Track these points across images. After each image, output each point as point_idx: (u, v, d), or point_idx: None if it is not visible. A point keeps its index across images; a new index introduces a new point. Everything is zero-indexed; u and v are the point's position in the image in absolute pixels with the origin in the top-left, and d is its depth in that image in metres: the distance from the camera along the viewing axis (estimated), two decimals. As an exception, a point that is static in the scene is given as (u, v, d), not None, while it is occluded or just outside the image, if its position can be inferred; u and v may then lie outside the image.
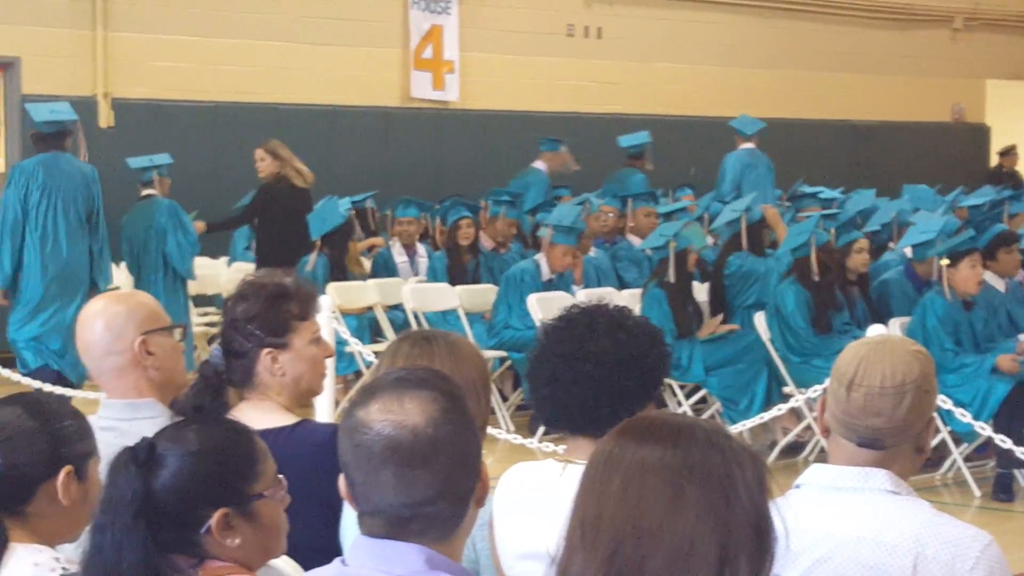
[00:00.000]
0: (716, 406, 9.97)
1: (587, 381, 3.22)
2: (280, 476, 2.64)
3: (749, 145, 14.51)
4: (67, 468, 2.84)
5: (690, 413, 10.03)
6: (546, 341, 3.33)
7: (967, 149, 19.92)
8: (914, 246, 9.66)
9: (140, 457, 2.48)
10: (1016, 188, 15.87)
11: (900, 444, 3.01)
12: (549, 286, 10.60)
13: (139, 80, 14.19)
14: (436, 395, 2.36)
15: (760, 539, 2.09)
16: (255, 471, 2.58)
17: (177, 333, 3.63)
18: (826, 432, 3.06)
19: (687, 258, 9.87)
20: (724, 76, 18.10)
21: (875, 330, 6.89)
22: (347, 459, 2.35)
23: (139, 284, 10.79)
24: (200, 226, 11.54)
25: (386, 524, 2.34)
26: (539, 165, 14.52)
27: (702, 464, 2.07)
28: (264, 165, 11.83)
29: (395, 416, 2.32)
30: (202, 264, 12.15)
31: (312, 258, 11.17)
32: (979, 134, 20.46)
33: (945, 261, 8.89)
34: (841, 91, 19.07)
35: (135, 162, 11.39)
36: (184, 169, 14.28)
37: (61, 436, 2.85)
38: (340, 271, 11.28)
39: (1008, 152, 19.22)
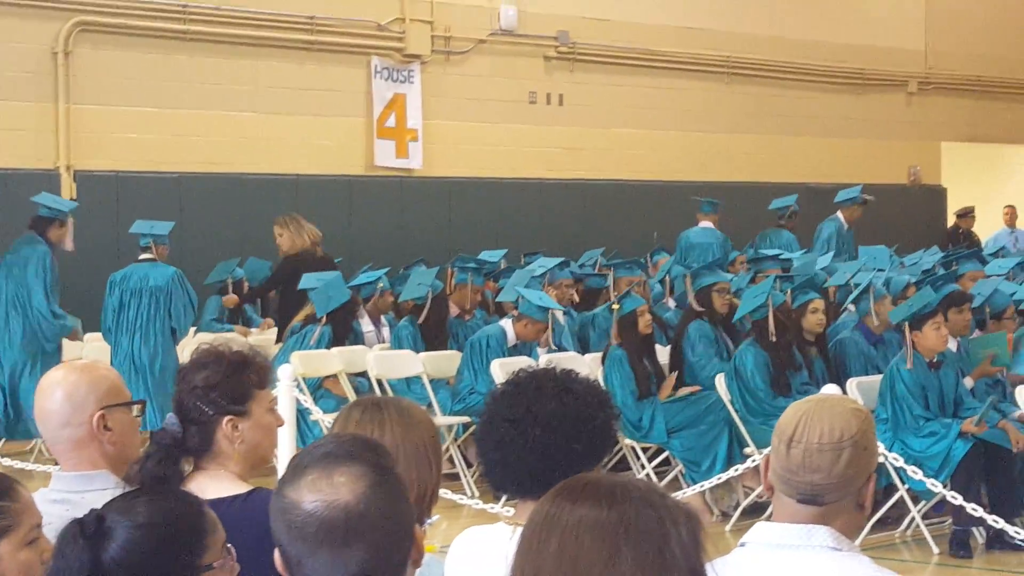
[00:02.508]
0: (679, 468, 10.02)
1: (535, 445, 3.25)
2: (229, 546, 2.63)
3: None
4: None
5: (652, 476, 10.09)
6: (495, 405, 3.37)
7: (924, 211, 20.17)
8: (855, 302, 9.83)
9: (88, 530, 2.47)
10: (971, 248, 16.07)
11: (840, 500, 3.07)
12: (514, 351, 10.67)
13: (102, 152, 14.26)
14: (365, 469, 2.35)
15: (696, 596, 2.14)
16: (203, 543, 2.57)
17: (136, 409, 3.65)
18: (770, 490, 3.13)
19: (636, 320, 9.97)
20: (685, 141, 18.30)
21: (828, 389, 6.97)
22: (281, 537, 2.35)
23: (143, 344, 11.10)
24: (233, 299, 11.90)
25: None
26: (706, 224, 15.45)
27: (637, 523, 2.11)
28: (283, 240, 12.48)
29: (325, 496, 2.32)
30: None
31: (316, 331, 11.19)
32: (935, 196, 20.72)
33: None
34: (800, 154, 19.30)
35: (136, 227, 11.97)
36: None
37: None
38: (341, 345, 11.34)
39: (965, 213, 19.45)
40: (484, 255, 13.83)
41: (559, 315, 11.63)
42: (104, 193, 14.29)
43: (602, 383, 10.14)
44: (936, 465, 8.61)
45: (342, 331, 11.33)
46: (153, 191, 14.54)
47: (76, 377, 3.63)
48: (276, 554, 2.38)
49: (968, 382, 8.99)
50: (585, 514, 2.12)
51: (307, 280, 11.56)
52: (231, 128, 15.08)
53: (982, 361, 9.11)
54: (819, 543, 3.02)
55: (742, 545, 3.11)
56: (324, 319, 11.21)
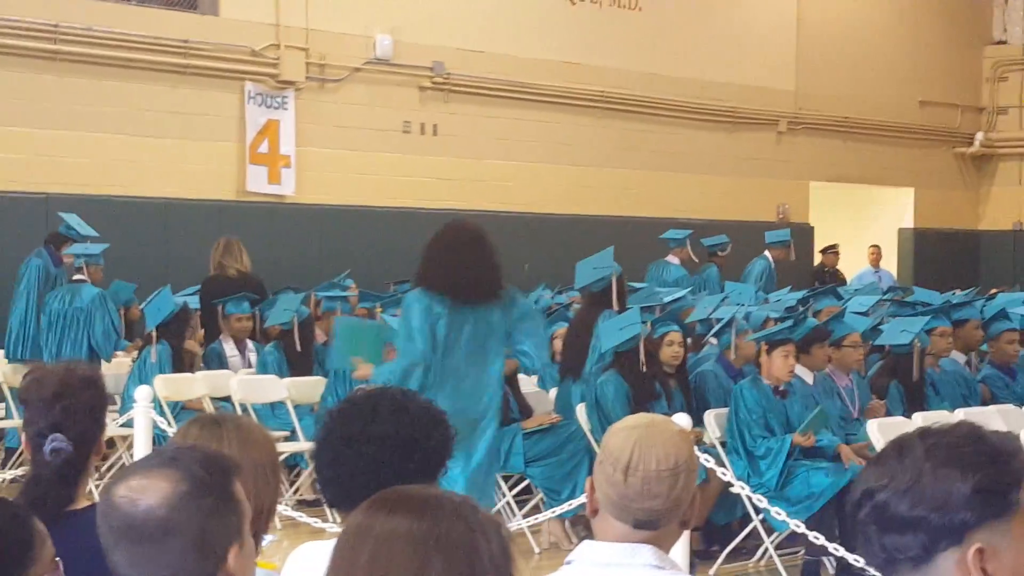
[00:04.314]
0: (539, 496, 10.10)
1: (369, 463, 3.32)
2: (57, 560, 2.64)
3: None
4: None
5: (512, 503, 10.16)
6: (331, 424, 3.44)
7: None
8: (717, 335, 10.01)
9: None
10: (835, 284, 16.41)
11: (671, 522, 3.17)
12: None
13: (-31, 170, 14.08)
14: (181, 475, 2.38)
15: (505, 606, 2.21)
16: (30, 556, 2.57)
17: None
18: (595, 512, 3.21)
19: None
20: (556, 173, 18.47)
21: (680, 420, 7.09)
22: (99, 529, 2.41)
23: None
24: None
25: None
26: (672, 259, 16.05)
27: (448, 534, 2.18)
28: (216, 258, 12.88)
29: (133, 493, 2.37)
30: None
31: (153, 349, 11.14)
32: (803, 233, 21.10)
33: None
34: (671, 190, 19.56)
35: (72, 249, 12.16)
36: (12, 262, 14.18)
37: None
38: (179, 360, 11.31)
39: (829, 250, 19.83)
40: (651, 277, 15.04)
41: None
42: (-31, 212, 14.08)
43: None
44: (774, 486, 8.80)
45: (178, 344, 11.35)
46: (22, 211, 14.37)
47: None
48: None
49: (797, 438, 9.09)
50: (397, 524, 2.18)
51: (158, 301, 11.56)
52: (101, 149, 14.96)
53: (805, 431, 9.18)
54: (642, 562, 3.11)
55: (568, 563, 3.19)
56: (155, 335, 11.21)
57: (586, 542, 3.20)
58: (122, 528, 2.36)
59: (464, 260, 7.62)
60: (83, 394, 3.69)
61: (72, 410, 3.68)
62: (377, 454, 3.32)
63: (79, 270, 11.87)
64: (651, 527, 3.12)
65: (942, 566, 2.14)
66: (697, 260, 16.32)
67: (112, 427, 9.85)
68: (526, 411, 10.30)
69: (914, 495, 2.15)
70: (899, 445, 2.21)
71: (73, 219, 12.47)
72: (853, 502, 2.22)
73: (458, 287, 7.60)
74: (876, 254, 20.79)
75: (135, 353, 11.97)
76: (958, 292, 14.29)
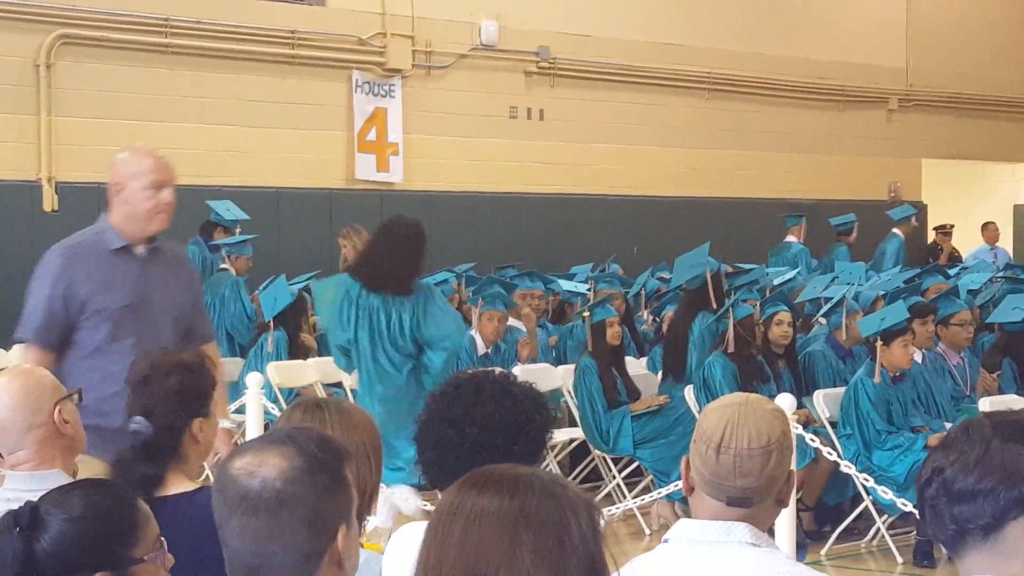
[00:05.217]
0: (649, 478, 10.12)
1: (472, 445, 3.37)
2: (162, 539, 2.71)
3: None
4: None
5: (622, 486, 10.18)
6: (434, 407, 3.49)
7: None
8: (827, 315, 9.94)
9: (22, 521, 2.55)
10: (950, 264, 16.20)
11: (765, 500, 3.18)
12: (485, 361, 10.71)
13: (84, 164, 14.31)
14: (295, 452, 2.43)
15: (594, 582, 2.24)
16: (135, 536, 2.65)
17: (75, 398, 3.79)
18: (691, 490, 3.23)
19: (605, 330, 10.06)
20: (664, 156, 18.41)
21: (782, 401, 7.07)
22: (214, 507, 2.47)
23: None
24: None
25: (239, 571, 2.43)
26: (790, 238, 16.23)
27: (538, 512, 2.19)
28: (346, 251, 12.99)
29: (249, 467, 2.42)
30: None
31: (270, 337, 11.30)
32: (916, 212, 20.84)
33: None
34: (781, 170, 19.41)
35: (219, 240, 12.89)
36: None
37: None
38: (295, 348, 11.46)
39: (943, 229, 19.57)
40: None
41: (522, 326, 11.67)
42: (86, 204, 14.31)
43: (573, 393, 10.32)
44: (902, 481, 8.71)
45: (294, 332, 11.48)
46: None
47: (21, 382, 3.74)
48: None
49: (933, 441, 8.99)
50: (488, 503, 2.20)
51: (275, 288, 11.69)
52: (212, 141, 15.17)
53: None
54: (737, 539, 3.12)
55: (665, 541, 3.21)
56: (272, 323, 11.35)
57: (682, 520, 3.22)
58: (236, 500, 2.40)
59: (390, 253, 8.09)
60: (169, 379, 3.78)
61: (157, 394, 3.77)
62: (480, 435, 3.36)
63: (226, 260, 12.51)
64: (744, 505, 3.13)
65: (1011, 535, 2.19)
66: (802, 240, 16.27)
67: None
68: (634, 394, 10.31)
69: (983, 468, 2.20)
70: (966, 426, 2.28)
71: (221, 206, 12.82)
72: (923, 480, 2.26)
73: (373, 278, 8.07)
74: (993, 231, 20.40)
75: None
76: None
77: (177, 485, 3.72)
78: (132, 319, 5.42)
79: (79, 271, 5.42)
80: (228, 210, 12.93)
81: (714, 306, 10.14)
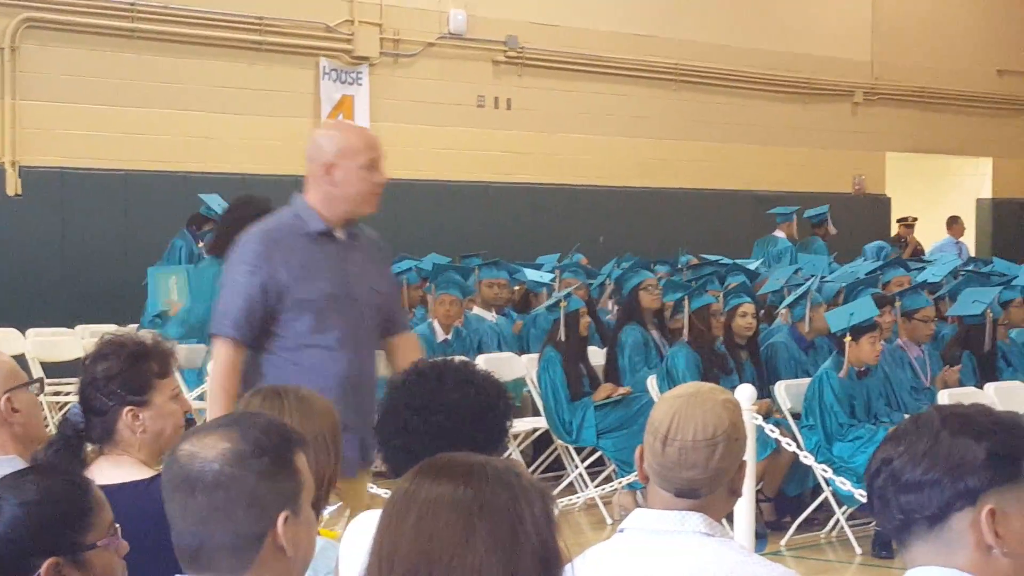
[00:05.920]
0: (611, 467, 10.16)
1: (438, 431, 3.38)
2: (116, 526, 2.72)
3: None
4: None
5: (585, 475, 10.22)
6: (396, 394, 3.49)
7: (868, 219, 20.38)
8: (791, 307, 10.00)
9: None
10: (913, 256, 16.29)
11: (715, 491, 3.21)
12: (445, 348, 10.71)
13: (48, 148, 14.27)
14: (238, 435, 2.46)
15: (547, 571, 2.24)
16: (88, 522, 2.66)
17: (35, 388, 3.76)
18: (646, 479, 3.26)
19: (578, 320, 10.10)
20: (631, 147, 18.45)
21: (742, 392, 7.12)
22: (162, 487, 2.52)
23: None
24: None
25: (183, 553, 2.48)
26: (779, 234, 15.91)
27: (492, 500, 2.22)
28: None
29: (193, 449, 2.47)
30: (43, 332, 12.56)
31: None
32: (880, 205, 20.96)
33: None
34: (746, 162, 19.48)
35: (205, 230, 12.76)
36: (92, 238, 14.40)
37: None
38: None
39: (905, 221, 19.67)
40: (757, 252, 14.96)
41: (492, 316, 11.69)
42: (49, 189, 14.31)
43: (536, 383, 10.34)
44: (862, 472, 8.77)
45: None
46: (99, 188, 14.57)
47: None
48: None
49: None
50: (442, 491, 2.22)
51: None
52: (178, 126, 15.13)
53: None
54: (692, 529, 3.15)
55: (621, 531, 3.24)
56: None
57: (637, 510, 3.25)
58: (178, 480, 2.45)
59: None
60: (98, 365, 3.67)
61: (88, 381, 3.69)
62: (446, 422, 3.37)
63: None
64: (692, 496, 3.15)
65: (956, 527, 2.22)
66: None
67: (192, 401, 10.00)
68: (597, 384, 10.34)
69: (930, 459, 2.23)
70: (915, 419, 2.31)
71: (213, 199, 12.74)
72: (872, 470, 2.29)
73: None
74: (960, 227, 20.34)
75: None
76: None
77: (132, 472, 3.69)
78: (336, 310, 5.01)
79: (277, 256, 4.99)
80: (219, 205, 12.79)
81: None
